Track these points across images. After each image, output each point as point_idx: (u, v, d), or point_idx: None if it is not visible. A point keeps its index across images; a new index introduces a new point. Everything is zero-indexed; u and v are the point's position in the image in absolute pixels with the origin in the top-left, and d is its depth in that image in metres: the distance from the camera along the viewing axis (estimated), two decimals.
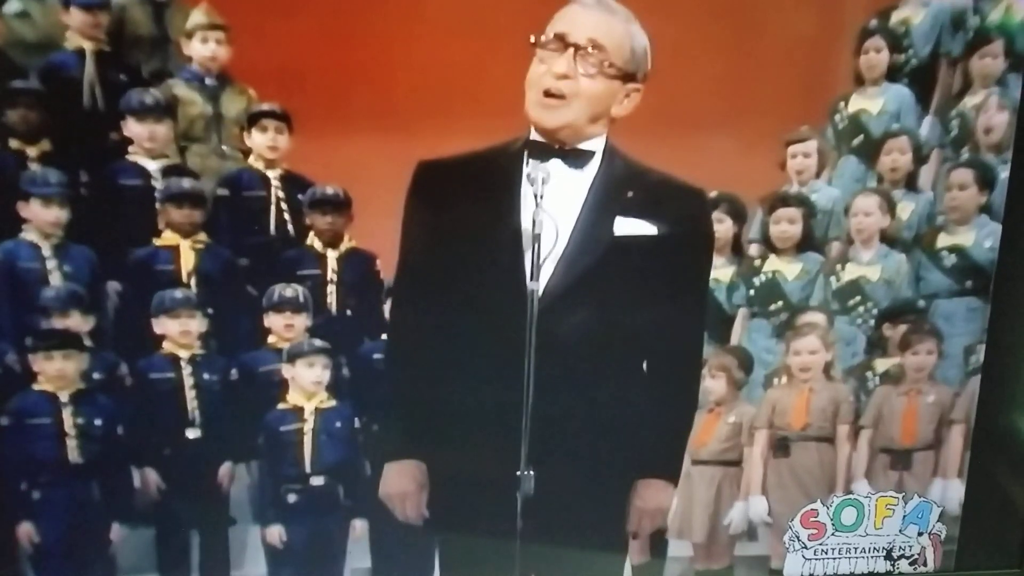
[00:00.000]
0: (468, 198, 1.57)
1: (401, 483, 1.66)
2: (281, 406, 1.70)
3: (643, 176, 1.57)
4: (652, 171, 1.57)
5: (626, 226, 1.57)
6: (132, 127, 1.57)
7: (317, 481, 1.72)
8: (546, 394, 1.56)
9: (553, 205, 1.54)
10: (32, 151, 1.53)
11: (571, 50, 1.48)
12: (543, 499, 1.61)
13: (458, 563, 1.73)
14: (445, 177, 1.56)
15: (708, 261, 1.66)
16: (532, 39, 1.49)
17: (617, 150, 1.56)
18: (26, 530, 1.67)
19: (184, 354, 1.66)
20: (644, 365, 1.64)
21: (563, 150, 1.54)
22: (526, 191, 1.55)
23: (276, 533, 1.73)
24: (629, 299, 1.60)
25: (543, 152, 1.54)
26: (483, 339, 1.60)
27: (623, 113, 1.53)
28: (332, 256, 1.67)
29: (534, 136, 1.55)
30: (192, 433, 1.68)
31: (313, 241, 1.66)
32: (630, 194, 1.57)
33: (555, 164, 1.54)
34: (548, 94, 1.50)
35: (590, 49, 1.48)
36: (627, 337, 1.62)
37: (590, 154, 1.56)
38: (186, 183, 1.60)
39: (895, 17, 1.64)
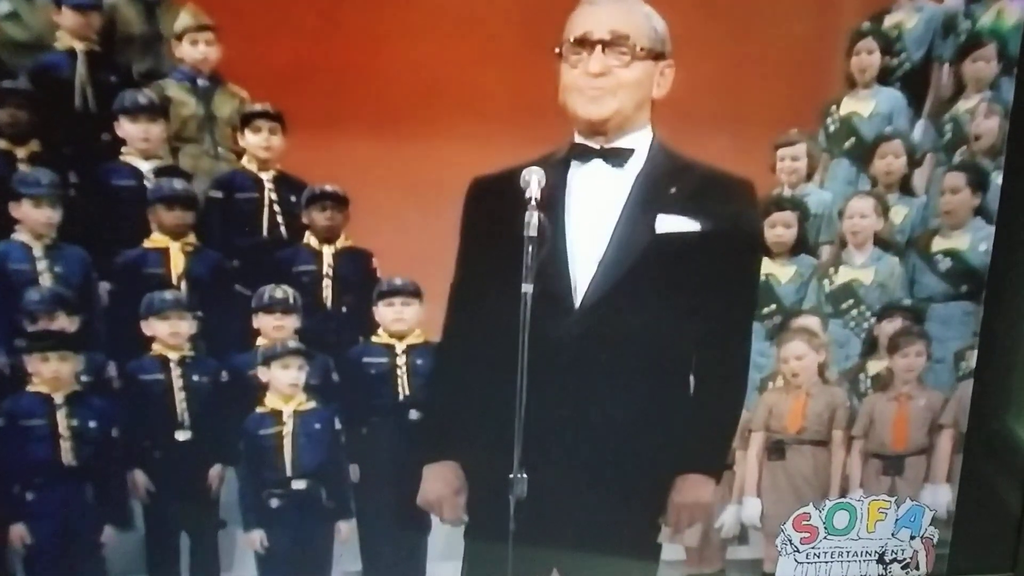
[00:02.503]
0: (514, 210, 1.56)
1: (437, 488, 1.67)
2: (260, 410, 1.69)
3: (688, 171, 1.57)
4: (698, 164, 1.57)
5: (668, 223, 1.57)
6: (126, 127, 1.57)
7: (299, 485, 1.72)
8: (540, 397, 1.56)
9: (594, 208, 1.55)
10: (21, 152, 1.53)
11: (599, 48, 1.48)
12: (536, 502, 1.60)
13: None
14: (494, 191, 1.56)
15: (757, 253, 1.67)
16: (558, 51, 1.50)
17: (664, 145, 1.57)
18: (18, 531, 1.66)
19: (174, 356, 1.66)
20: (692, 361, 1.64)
21: (604, 150, 1.55)
22: (570, 199, 1.56)
23: (257, 538, 1.73)
24: (673, 299, 1.60)
25: (585, 154, 1.55)
26: (479, 341, 1.61)
27: (663, 93, 1.54)
28: (328, 252, 1.68)
29: (578, 139, 1.55)
30: (182, 435, 1.68)
31: (309, 239, 1.67)
32: (673, 190, 1.57)
33: (598, 164, 1.55)
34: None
35: (616, 41, 1.49)
36: (664, 338, 1.62)
37: (630, 152, 1.56)
38: (177, 184, 1.60)
39: (888, 21, 1.63)
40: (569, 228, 1.56)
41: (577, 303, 1.56)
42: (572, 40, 1.49)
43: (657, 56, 1.51)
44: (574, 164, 1.56)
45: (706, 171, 1.57)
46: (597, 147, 1.55)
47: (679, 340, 1.62)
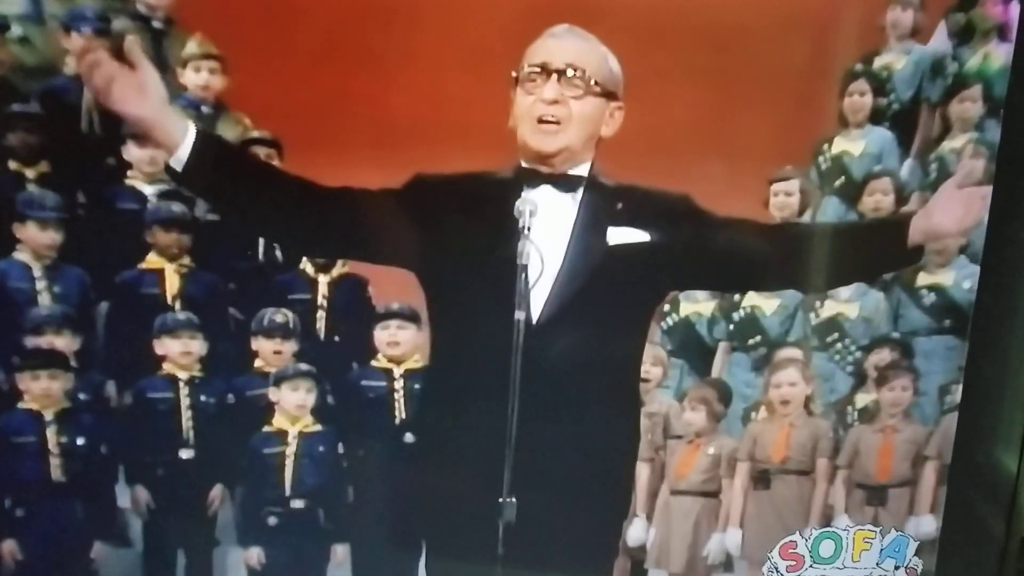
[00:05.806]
0: (462, 218, 1.59)
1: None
2: (266, 429, 1.70)
3: (628, 190, 1.60)
4: (636, 186, 1.60)
5: (620, 235, 1.59)
6: (132, 151, 1.59)
7: (297, 504, 1.73)
8: (530, 422, 1.57)
9: (544, 230, 1.56)
10: (31, 173, 1.55)
11: (555, 76, 1.51)
12: (524, 526, 1.62)
13: None
14: (440, 192, 1.58)
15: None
16: (514, 74, 1.52)
17: (602, 172, 1.59)
18: (9, 547, 1.67)
19: (183, 375, 1.68)
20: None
21: (553, 176, 1.57)
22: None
23: (255, 555, 1.74)
24: (625, 318, 1.63)
25: (534, 179, 1.57)
26: (469, 365, 1.62)
27: (611, 133, 1.56)
28: (324, 281, 1.69)
29: (524, 164, 1.57)
30: (185, 454, 1.69)
31: (305, 266, 1.68)
32: (620, 205, 1.59)
33: (545, 190, 1.57)
34: (542, 121, 1.53)
35: (572, 72, 1.51)
36: (620, 359, 1.65)
37: (580, 179, 1.58)
38: (175, 207, 1.62)
39: (878, 62, 1.66)
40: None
41: (534, 320, 1.57)
42: (528, 66, 1.52)
43: (610, 95, 1.54)
44: (522, 192, 1.57)
45: (644, 189, 1.60)
46: (546, 172, 1.57)
47: (631, 360, 1.66)
